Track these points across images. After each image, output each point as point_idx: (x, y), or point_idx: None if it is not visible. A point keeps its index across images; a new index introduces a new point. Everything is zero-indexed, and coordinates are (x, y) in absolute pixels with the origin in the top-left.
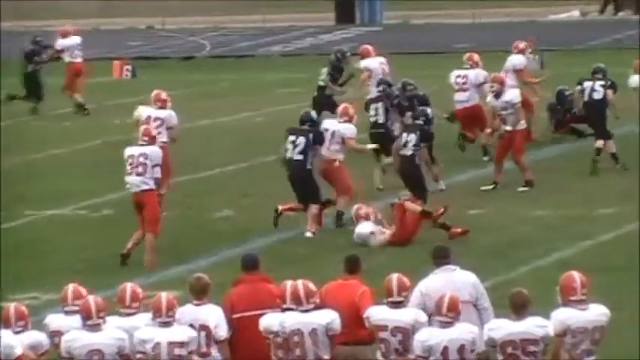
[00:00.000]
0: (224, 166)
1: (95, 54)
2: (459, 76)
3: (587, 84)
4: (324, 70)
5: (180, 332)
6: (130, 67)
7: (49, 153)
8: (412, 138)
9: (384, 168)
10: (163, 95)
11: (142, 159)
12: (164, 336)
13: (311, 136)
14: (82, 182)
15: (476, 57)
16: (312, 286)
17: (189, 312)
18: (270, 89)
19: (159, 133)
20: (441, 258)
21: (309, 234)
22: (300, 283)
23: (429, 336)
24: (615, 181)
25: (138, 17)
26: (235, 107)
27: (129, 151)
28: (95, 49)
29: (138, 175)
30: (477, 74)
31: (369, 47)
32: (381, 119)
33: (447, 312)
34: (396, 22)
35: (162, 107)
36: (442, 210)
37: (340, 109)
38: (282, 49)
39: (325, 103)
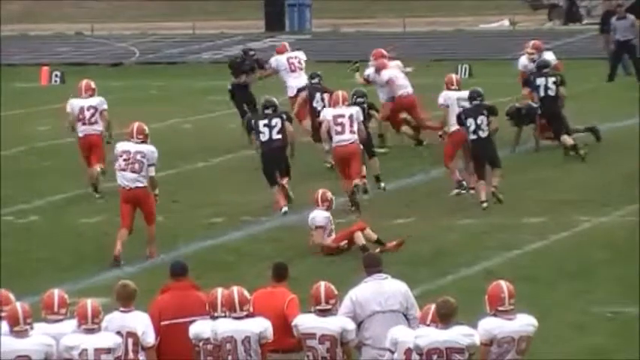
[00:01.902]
0: None
1: (23, 60)
2: (399, 67)
3: (540, 80)
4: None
5: (106, 338)
6: (58, 73)
7: None
8: (482, 119)
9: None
10: (93, 84)
11: (139, 157)
12: (90, 342)
13: (284, 116)
14: (9, 189)
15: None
16: (246, 293)
17: (116, 319)
18: (199, 96)
19: (95, 121)
20: (372, 266)
21: (286, 209)
22: (234, 289)
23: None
24: (544, 191)
25: (67, 23)
26: (164, 114)
27: (123, 146)
28: (23, 55)
29: (133, 172)
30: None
31: (285, 44)
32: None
33: (431, 321)
34: (325, 30)
35: (92, 95)
36: (396, 244)
37: (340, 96)
38: (212, 56)
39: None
